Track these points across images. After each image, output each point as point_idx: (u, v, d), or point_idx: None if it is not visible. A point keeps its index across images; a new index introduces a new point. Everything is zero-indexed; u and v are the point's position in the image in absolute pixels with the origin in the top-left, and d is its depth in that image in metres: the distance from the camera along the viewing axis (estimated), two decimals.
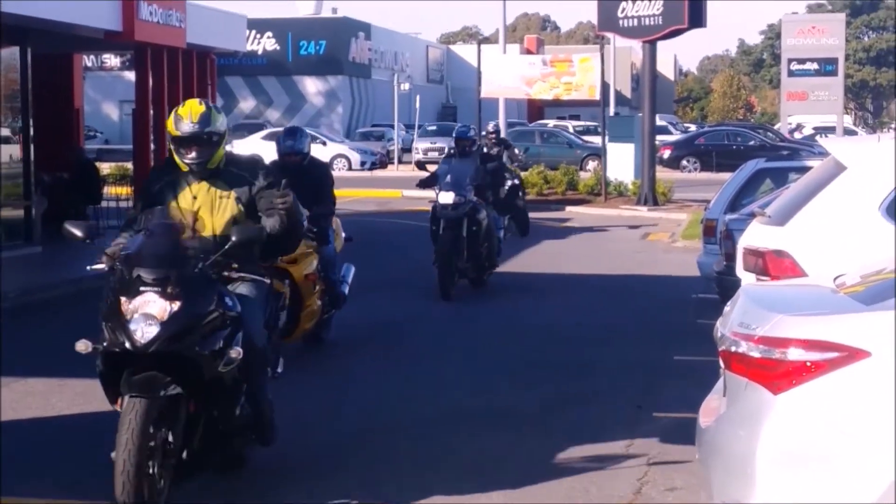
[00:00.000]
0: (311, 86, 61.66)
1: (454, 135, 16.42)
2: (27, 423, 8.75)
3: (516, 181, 21.71)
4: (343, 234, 12.04)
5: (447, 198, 15.03)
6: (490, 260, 15.78)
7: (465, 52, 71.39)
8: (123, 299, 6.25)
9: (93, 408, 8.49)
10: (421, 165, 45.05)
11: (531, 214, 22.82)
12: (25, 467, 7.51)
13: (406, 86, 51.27)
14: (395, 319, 13.51)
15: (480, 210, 15.36)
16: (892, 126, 77.92)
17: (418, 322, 13.44)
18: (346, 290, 11.79)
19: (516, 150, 23.23)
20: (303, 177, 10.88)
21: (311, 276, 10.68)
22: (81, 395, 9.24)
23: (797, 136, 54.14)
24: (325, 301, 11.18)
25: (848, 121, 69.69)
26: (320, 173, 11.63)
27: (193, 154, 6.83)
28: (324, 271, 11.12)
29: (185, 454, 6.41)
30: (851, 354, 4.84)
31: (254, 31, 55.67)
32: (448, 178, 15.18)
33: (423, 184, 16.05)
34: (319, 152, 46.83)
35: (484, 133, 22.63)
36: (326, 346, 11.67)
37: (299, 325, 10.54)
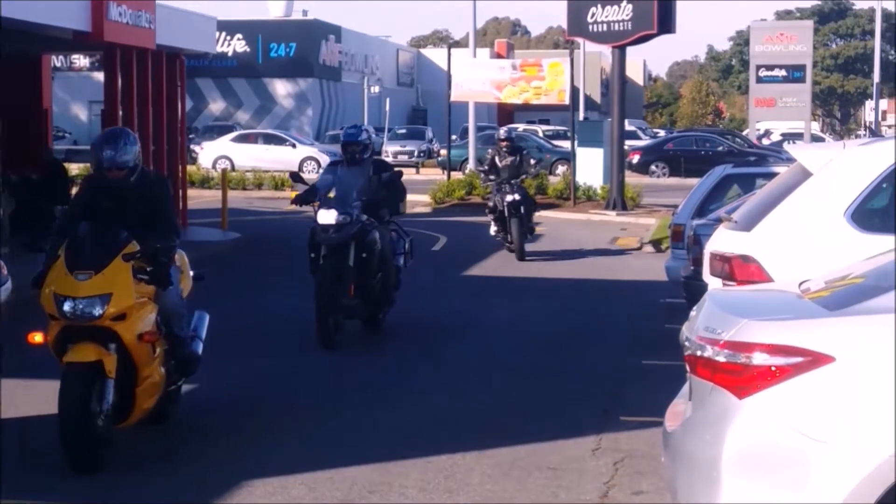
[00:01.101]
0: (281, 88, 61.52)
1: (341, 138, 12.85)
2: None
3: (516, 196, 19.44)
4: (191, 273, 9.09)
5: (327, 217, 12.02)
6: (386, 294, 12.78)
7: (436, 55, 71.44)
8: None
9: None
10: None
11: None
12: None
13: (376, 89, 51.28)
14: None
15: (371, 232, 12.28)
16: (860, 133, 78.41)
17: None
18: (200, 349, 8.92)
19: (531, 161, 21.18)
20: (131, 198, 8.20)
21: (147, 336, 7.95)
22: (48, 398, 9.03)
23: (765, 142, 54.42)
24: (169, 367, 8.42)
25: (815, 127, 70.02)
26: (156, 192, 8.36)
27: None
28: (167, 326, 8.36)
29: None
30: (816, 359, 4.88)
31: (223, 33, 55.44)
32: (331, 191, 12.38)
33: (300, 200, 12.59)
34: (289, 155, 47.03)
35: (495, 140, 21.51)
36: (173, 426, 8.80)
37: (136, 406, 7.99)
